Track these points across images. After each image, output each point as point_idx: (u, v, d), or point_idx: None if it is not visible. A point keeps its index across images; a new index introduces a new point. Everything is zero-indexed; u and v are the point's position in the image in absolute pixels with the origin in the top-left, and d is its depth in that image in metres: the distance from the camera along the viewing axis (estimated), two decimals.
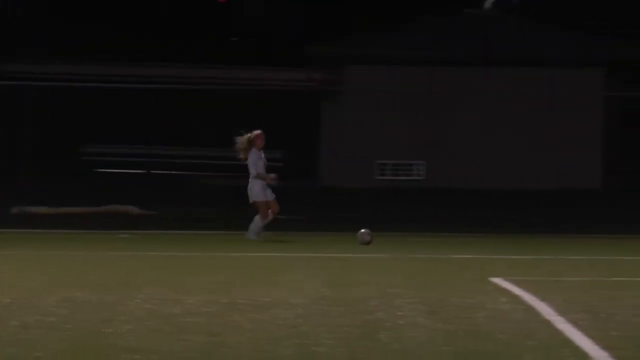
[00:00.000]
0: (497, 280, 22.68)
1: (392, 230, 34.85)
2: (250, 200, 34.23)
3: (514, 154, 47.65)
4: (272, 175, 34.44)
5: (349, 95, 49.77)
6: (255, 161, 33.91)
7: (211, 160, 52.30)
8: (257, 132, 34.41)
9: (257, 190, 33.37)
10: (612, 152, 48.74)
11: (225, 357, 14.04)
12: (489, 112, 48.04)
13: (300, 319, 17.28)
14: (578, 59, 50.16)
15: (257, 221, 33.04)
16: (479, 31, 51.81)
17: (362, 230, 32.35)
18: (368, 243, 31.98)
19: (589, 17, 61.05)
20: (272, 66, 59.15)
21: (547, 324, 16.75)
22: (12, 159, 55.43)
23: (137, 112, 56.46)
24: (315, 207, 41.69)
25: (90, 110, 57.55)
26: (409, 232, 33.92)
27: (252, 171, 33.84)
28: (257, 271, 24.96)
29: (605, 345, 14.50)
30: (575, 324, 16.45)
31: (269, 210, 33.74)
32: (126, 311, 17.69)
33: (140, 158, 59.07)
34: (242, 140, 34.08)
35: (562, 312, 17.84)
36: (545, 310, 18.24)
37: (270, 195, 33.73)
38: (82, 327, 15.66)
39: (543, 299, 19.63)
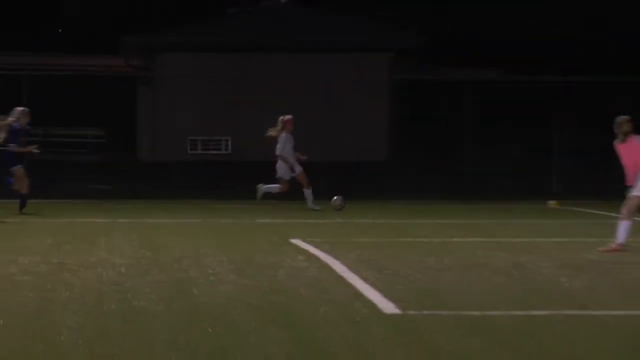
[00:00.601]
0: (296, 242, 22.90)
1: (202, 198, 35.05)
2: (277, 176, 34.40)
3: (308, 132, 48.34)
4: (291, 161, 34.13)
5: (162, 79, 49.91)
6: (285, 143, 33.81)
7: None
8: (288, 116, 34.36)
9: (284, 170, 33.43)
10: (397, 132, 49.64)
11: (57, 311, 14.21)
12: (287, 94, 48.79)
13: (123, 277, 17.48)
14: (366, 45, 50.99)
15: (306, 192, 33.18)
16: (278, 19, 52.36)
17: (335, 198, 32.61)
18: (340, 209, 32.03)
19: (376, 6, 63.31)
20: (94, 54, 59.17)
21: (341, 280, 17.18)
22: None
23: None
24: (133, 178, 41.71)
25: None
26: (216, 200, 34.02)
27: (278, 150, 33.90)
28: (82, 235, 24.49)
29: (392, 298, 15.09)
30: (366, 279, 16.94)
31: (284, 187, 33.85)
32: None
33: None
34: (277, 122, 34.25)
35: (353, 269, 18.24)
36: (338, 267, 18.63)
37: (298, 169, 33.94)
38: None
39: (337, 257, 19.93)
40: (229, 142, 45.66)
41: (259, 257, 20.40)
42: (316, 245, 22.12)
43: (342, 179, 35.95)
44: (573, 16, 68.25)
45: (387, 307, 14.56)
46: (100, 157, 50.03)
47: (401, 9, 66.59)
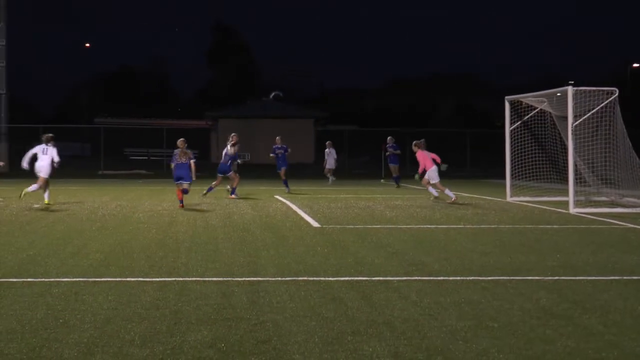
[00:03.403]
0: (277, 197, 23.34)
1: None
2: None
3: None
4: None
5: (220, 130, 53.44)
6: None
7: None
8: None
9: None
10: (316, 150, 52.36)
11: (178, 224, 15.35)
12: (272, 135, 52.34)
13: (205, 213, 17.93)
14: (303, 115, 56.95)
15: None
16: (268, 105, 61.07)
17: None
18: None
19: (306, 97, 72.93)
20: (193, 118, 64.51)
21: (294, 212, 18.14)
22: None
23: None
24: (207, 169, 41.06)
25: None
26: (243, 179, 33.06)
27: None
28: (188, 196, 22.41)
29: (316, 219, 16.31)
30: (305, 212, 17.99)
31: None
32: None
33: None
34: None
35: (300, 207, 19.28)
36: (294, 207, 19.51)
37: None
38: None
39: (293, 202, 20.85)
40: (248, 155, 47.62)
41: (261, 203, 20.98)
42: (284, 198, 22.77)
43: (295, 169, 35.71)
44: None
45: (314, 223, 15.58)
46: (195, 161, 54.47)
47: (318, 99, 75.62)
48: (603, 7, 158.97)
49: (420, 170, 21.81)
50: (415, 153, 22.04)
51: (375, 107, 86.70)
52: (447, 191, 21.65)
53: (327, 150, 32.25)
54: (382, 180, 34.57)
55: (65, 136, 61.15)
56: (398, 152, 30.21)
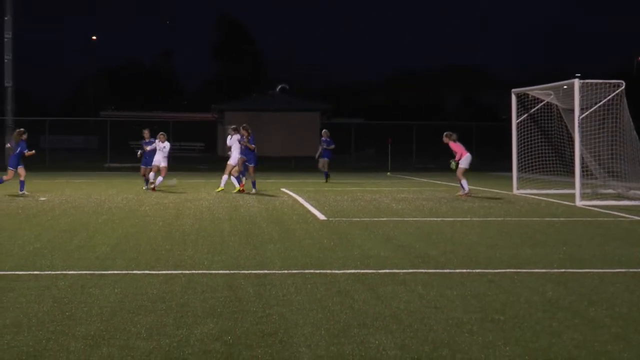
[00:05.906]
0: (284, 189, 23.53)
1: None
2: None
3: (288, 141, 52.54)
4: None
5: (227, 122, 54.89)
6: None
7: None
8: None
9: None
10: None
11: (185, 217, 15.40)
12: (277, 127, 52.54)
13: (211, 205, 18.07)
14: (310, 108, 56.58)
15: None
16: (275, 99, 60.42)
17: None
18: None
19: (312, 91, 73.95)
20: (200, 112, 66.28)
21: (301, 205, 18.27)
22: None
23: None
24: (214, 163, 40.80)
25: None
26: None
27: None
28: (195, 186, 23.40)
29: (323, 212, 16.39)
30: (311, 205, 18.11)
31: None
32: None
33: None
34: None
35: (306, 200, 19.38)
36: (300, 200, 19.63)
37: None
38: None
39: (299, 195, 20.96)
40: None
41: (266, 197, 20.82)
42: (291, 191, 22.94)
43: (301, 162, 35.85)
44: None
45: (321, 216, 15.65)
46: (202, 154, 55.46)
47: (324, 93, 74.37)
48: (611, 3, 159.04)
49: (457, 158, 21.42)
50: (447, 144, 21.72)
51: (381, 100, 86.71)
52: (463, 182, 21.45)
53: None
54: (388, 173, 34.94)
55: (72, 129, 61.31)
56: (332, 147, 28.22)
